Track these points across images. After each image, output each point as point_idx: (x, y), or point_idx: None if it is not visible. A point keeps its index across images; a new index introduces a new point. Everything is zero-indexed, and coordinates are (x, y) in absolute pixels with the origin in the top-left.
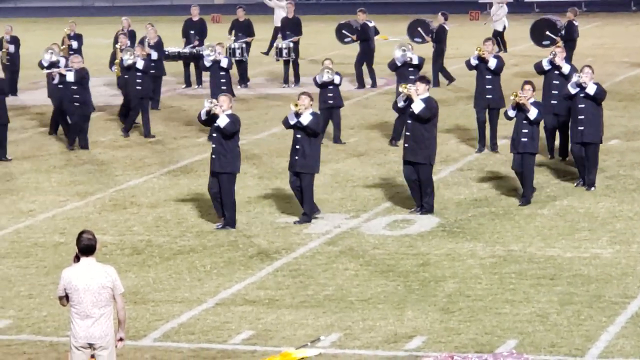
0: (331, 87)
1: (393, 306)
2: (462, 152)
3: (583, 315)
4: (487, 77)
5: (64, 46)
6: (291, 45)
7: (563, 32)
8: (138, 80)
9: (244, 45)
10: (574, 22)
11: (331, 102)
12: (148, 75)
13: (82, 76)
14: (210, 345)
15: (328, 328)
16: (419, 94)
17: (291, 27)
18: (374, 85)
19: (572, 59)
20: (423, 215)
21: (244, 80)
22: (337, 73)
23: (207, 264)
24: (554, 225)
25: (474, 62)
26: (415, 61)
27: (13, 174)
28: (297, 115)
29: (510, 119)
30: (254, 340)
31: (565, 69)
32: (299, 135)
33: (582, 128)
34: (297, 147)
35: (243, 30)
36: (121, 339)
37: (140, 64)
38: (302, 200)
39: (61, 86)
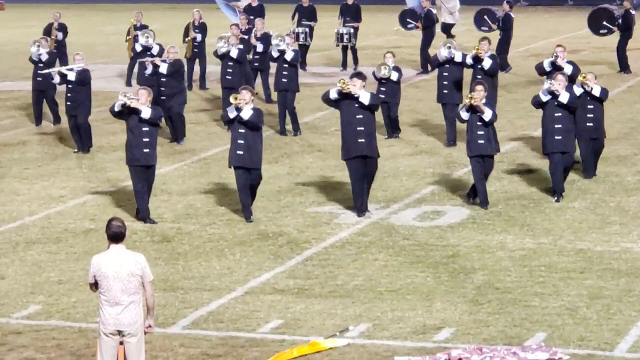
0: (386, 82)
1: (422, 297)
2: None
3: (613, 310)
4: (478, 76)
5: (52, 38)
6: (352, 31)
7: (620, 21)
8: (229, 70)
9: (307, 30)
10: (630, 11)
11: (383, 96)
12: (243, 65)
13: (177, 69)
14: (238, 334)
15: (357, 318)
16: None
17: (351, 13)
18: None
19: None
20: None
21: (303, 65)
22: (396, 69)
23: (237, 252)
24: (584, 218)
25: (469, 61)
26: (458, 59)
27: (44, 160)
28: (238, 109)
29: (463, 121)
30: (283, 329)
31: (567, 69)
32: (242, 130)
33: (559, 137)
34: (240, 141)
35: (307, 15)
36: (150, 327)
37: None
38: (250, 197)
39: (154, 77)
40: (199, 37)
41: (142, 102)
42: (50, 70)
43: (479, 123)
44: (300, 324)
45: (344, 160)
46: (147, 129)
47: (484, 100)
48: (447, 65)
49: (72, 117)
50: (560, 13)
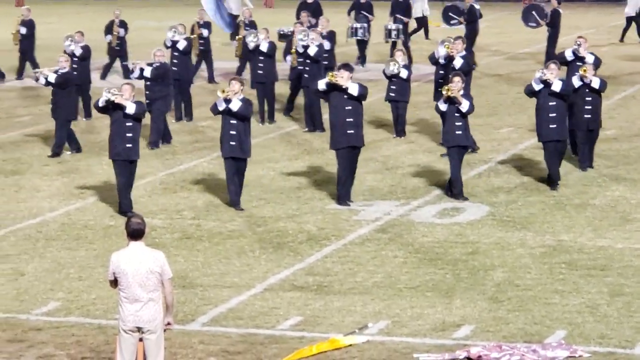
0: (396, 79)
1: (441, 294)
2: (514, 140)
3: (633, 307)
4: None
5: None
6: (400, 27)
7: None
8: (260, 65)
9: (365, 25)
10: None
11: (393, 94)
12: (272, 59)
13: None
14: (258, 331)
15: (376, 315)
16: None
17: (401, 10)
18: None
19: None
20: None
21: (363, 60)
22: (406, 67)
23: (257, 249)
24: (605, 215)
25: (442, 60)
26: (457, 64)
27: (64, 156)
28: (227, 101)
29: (441, 112)
30: (302, 326)
31: (589, 59)
32: (233, 121)
33: (554, 126)
34: (232, 132)
35: (364, 10)
36: (169, 324)
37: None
38: (239, 186)
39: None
40: (205, 32)
41: (126, 97)
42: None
43: (456, 114)
44: (319, 320)
45: (332, 150)
46: (130, 124)
47: (461, 92)
48: (444, 63)
49: (55, 119)
50: (580, 10)
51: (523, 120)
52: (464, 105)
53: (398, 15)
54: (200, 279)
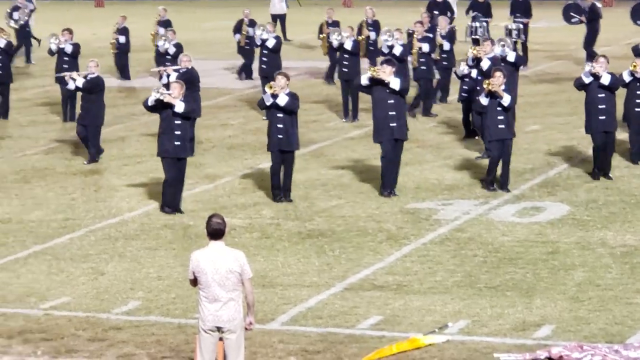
0: (468, 80)
1: (521, 294)
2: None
3: None
4: (479, 77)
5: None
6: (521, 26)
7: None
8: (345, 62)
9: (485, 25)
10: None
11: (465, 95)
12: (357, 56)
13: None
14: (338, 330)
15: (456, 315)
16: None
17: (521, 9)
18: None
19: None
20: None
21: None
22: (471, 67)
23: (336, 248)
24: None
25: (469, 62)
26: (511, 59)
27: (143, 156)
28: (274, 96)
29: (483, 107)
30: (382, 325)
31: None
32: (280, 115)
33: (603, 117)
34: (280, 126)
35: (482, 10)
36: (250, 324)
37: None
38: (285, 178)
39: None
40: (251, 31)
41: (175, 95)
42: (64, 74)
43: (498, 108)
44: (399, 320)
45: (376, 143)
46: (179, 122)
47: (502, 86)
48: (502, 65)
49: (82, 125)
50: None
51: None
52: (506, 99)
53: (518, 14)
54: (280, 278)
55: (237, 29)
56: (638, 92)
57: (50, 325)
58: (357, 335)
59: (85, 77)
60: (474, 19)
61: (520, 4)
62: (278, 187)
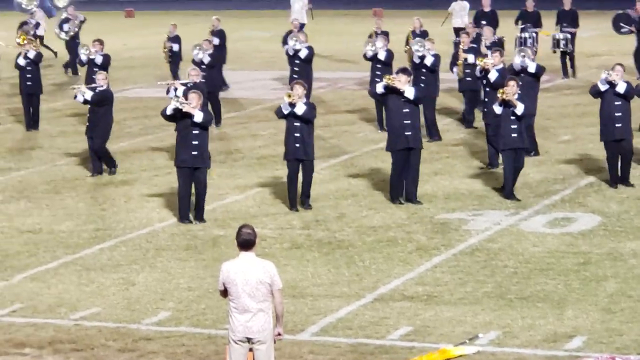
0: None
1: (553, 305)
2: None
3: None
4: (487, 89)
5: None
6: (569, 36)
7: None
8: (378, 73)
9: (534, 35)
10: None
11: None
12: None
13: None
14: (368, 341)
15: (486, 326)
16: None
17: (568, 19)
18: None
19: None
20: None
21: None
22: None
23: (366, 259)
24: None
25: (477, 73)
26: (531, 69)
27: (173, 167)
28: (292, 105)
29: (496, 115)
30: (412, 336)
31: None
32: (297, 124)
33: (619, 125)
34: (297, 135)
35: (531, 20)
36: (279, 335)
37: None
38: (303, 187)
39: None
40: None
41: (194, 105)
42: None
43: (512, 117)
44: (429, 331)
45: (388, 151)
46: (197, 131)
47: (516, 95)
48: (522, 75)
49: (90, 138)
50: None
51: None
52: (519, 108)
53: (565, 24)
54: (310, 288)
55: (286, 39)
56: None
57: (81, 336)
58: (387, 346)
59: (93, 89)
60: (523, 29)
61: (567, 13)
62: (294, 195)
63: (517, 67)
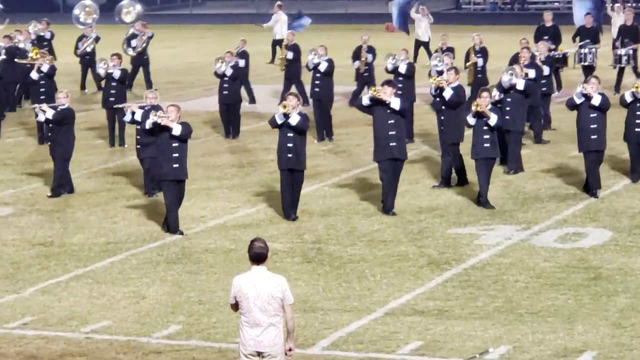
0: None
1: (563, 320)
2: None
3: None
4: (443, 107)
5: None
6: (630, 52)
7: None
8: (399, 85)
9: (594, 51)
10: None
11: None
12: (412, 80)
13: None
14: (378, 355)
15: (497, 340)
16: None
17: (630, 35)
18: None
19: None
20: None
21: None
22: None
23: (377, 273)
24: None
25: (432, 91)
26: (520, 87)
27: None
28: (286, 116)
29: (470, 126)
30: (423, 350)
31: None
32: (290, 134)
33: (594, 137)
34: (290, 145)
35: (590, 36)
36: (290, 350)
37: (402, 69)
38: (293, 197)
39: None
40: (370, 57)
41: (172, 119)
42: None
43: (484, 128)
44: (440, 345)
45: (375, 162)
46: (176, 144)
47: (489, 106)
48: (511, 92)
49: (52, 157)
50: None
51: None
52: (493, 119)
53: (627, 40)
54: (321, 302)
55: (356, 55)
56: (638, 113)
57: (91, 349)
58: None
59: (55, 108)
60: (582, 46)
61: (629, 29)
62: (290, 205)
63: (505, 84)
